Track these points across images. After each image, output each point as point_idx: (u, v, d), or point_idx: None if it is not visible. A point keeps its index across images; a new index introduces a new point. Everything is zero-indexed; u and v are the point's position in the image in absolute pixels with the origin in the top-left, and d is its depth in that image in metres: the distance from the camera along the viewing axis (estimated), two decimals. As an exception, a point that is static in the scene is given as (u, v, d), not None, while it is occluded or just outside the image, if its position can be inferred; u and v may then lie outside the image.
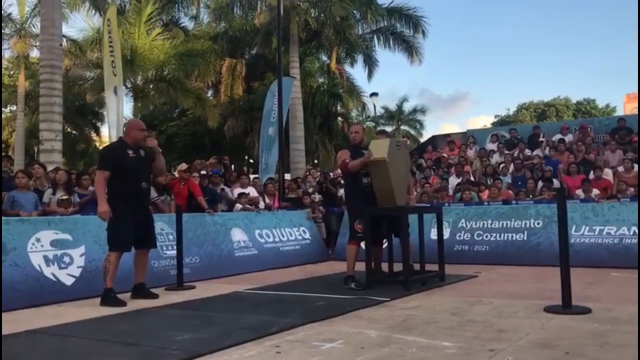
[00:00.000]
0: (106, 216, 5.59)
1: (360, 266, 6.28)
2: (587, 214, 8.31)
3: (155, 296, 5.88)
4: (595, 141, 13.82)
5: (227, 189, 10.02)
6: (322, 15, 19.31)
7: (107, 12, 13.22)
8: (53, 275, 5.97)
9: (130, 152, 5.83)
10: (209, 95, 24.23)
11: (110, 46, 12.29)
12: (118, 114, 12.25)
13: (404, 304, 5.20)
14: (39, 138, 12.92)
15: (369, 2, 19.35)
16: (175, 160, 22.43)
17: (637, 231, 7.70)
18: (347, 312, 4.82)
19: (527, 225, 8.63)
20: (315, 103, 23.15)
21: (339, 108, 25.26)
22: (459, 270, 7.30)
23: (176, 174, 9.11)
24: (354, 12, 20.36)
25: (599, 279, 6.55)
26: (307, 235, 9.84)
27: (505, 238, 8.69)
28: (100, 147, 25.57)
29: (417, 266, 6.65)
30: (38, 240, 6.02)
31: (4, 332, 4.32)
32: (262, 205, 10.14)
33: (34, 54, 22.75)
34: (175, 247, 6.90)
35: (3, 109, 29.24)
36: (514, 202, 9.72)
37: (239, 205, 9.54)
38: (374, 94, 26.20)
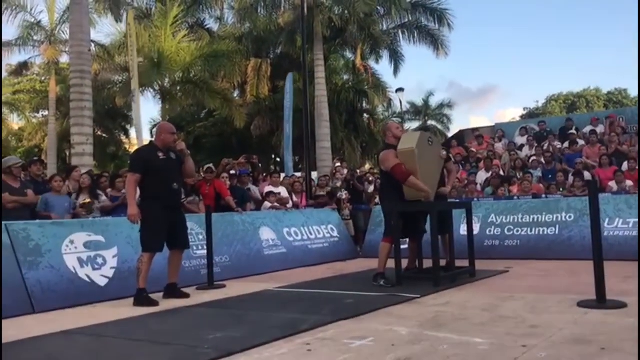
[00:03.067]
0: (135, 219, 5.67)
1: (391, 263, 6.27)
2: (621, 206, 8.14)
3: (186, 296, 5.95)
4: (628, 131, 13.53)
5: (253, 188, 10.08)
6: (346, 12, 19.27)
7: (127, 17, 13.56)
8: (87, 276, 6.08)
9: (161, 154, 5.91)
10: (235, 95, 24.39)
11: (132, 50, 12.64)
12: (137, 117, 12.53)
13: (435, 301, 5.16)
14: (70, 142, 13.19)
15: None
16: (203, 161, 22.63)
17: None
18: (377, 309, 4.81)
19: (559, 219, 8.49)
20: (340, 100, 23.11)
21: (364, 105, 25.17)
22: (490, 266, 7.22)
23: (202, 175, 9.20)
24: (378, 8, 20.28)
25: (635, 272, 6.39)
26: (336, 233, 9.83)
27: (537, 232, 8.57)
28: (130, 150, 26.04)
29: (445, 262, 6.60)
30: (72, 242, 6.14)
31: (40, 333, 4.44)
32: (290, 204, 10.17)
33: (64, 59, 23.18)
34: (205, 247, 6.98)
35: (35, 114, 29.94)
36: (544, 195, 9.58)
37: (267, 204, 9.58)
38: (399, 90, 26.02)
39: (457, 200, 9.58)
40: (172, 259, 6.04)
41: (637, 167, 10.24)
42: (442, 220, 6.36)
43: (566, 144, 13.07)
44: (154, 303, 5.56)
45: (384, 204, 6.65)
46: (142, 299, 5.62)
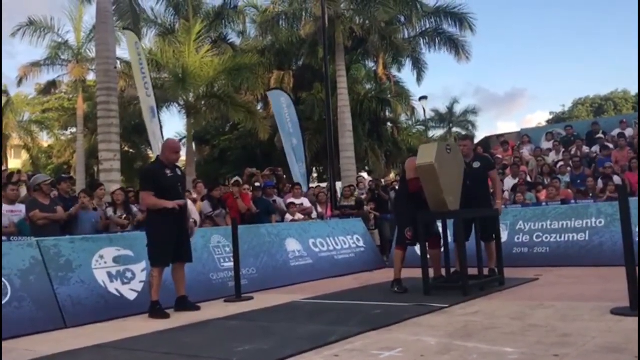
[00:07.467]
0: (181, 204, 5.85)
1: (417, 272, 6.23)
2: (653, 210, 7.95)
3: (197, 308, 6.03)
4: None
5: (278, 200, 10.14)
6: (367, 21, 19.30)
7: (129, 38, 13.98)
8: (117, 290, 6.17)
9: (168, 171, 6.07)
10: (258, 108, 24.55)
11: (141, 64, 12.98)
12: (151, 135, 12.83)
13: (463, 310, 5.11)
14: (98, 158, 13.40)
15: (413, 3, 19.24)
16: (229, 174, 22.81)
17: None
18: (404, 319, 4.78)
19: (589, 225, 8.33)
20: (363, 110, 23.09)
21: (387, 113, 25.12)
22: (519, 274, 7.11)
23: (230, 188, 9.30)
24: (399, 16, 20.27)
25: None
26: (361, 243, 9.80)
27: (566, 239, 8.42)
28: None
29: (474, 270, 6.54)
30: (101, 257, 6.25)
31: (73, 347, 4.51)
32: (314, 214, 10.19)
33: (91, 77, 23.64)
34: (232, 259, 7.02)
35: (64, 131, 30.54)
36: (572, 201, 9.42)
37: (289, 216, 9.63)
38: (423, 98, 25.96)
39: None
40: (175, 273, 6.14)
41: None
42: (485, 227, 6.45)
43: (595, 148, 12.84)
44: (166, 315, 5.72)
45: (397, 212, 6.70)
46: (155, 311, 5.79)
